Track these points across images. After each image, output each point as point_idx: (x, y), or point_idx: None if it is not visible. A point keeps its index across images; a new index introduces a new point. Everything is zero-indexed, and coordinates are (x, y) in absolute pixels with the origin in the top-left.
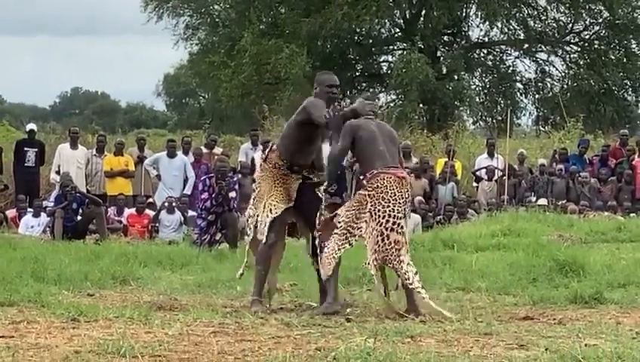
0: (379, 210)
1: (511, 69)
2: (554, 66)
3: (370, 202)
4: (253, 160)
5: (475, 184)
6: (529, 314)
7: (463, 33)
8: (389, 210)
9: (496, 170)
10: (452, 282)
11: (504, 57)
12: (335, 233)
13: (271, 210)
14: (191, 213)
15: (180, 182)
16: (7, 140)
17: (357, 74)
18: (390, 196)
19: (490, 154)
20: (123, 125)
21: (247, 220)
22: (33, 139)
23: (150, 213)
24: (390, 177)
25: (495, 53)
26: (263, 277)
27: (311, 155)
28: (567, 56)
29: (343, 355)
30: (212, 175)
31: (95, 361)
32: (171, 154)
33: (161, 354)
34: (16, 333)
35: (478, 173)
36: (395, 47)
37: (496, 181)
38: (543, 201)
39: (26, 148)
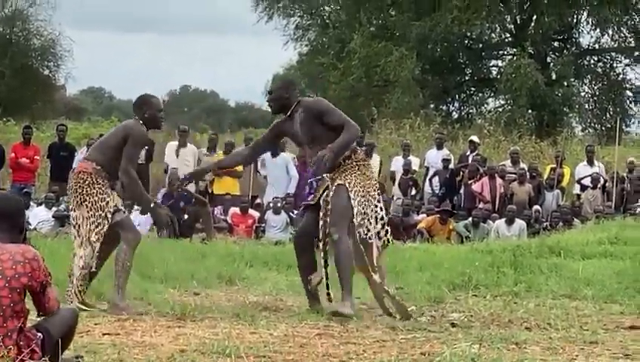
0: None
1: (621, 76)
2: None
3: None
4: None
5: (577, 192)
6: (635, 324)
7: (574, 39)
8: None
9: (600, 178)
10: (558, 289)
11: (614, 64)
12: None
13: None
14: (297, 213)
15: (284, 181)
16: None
17: (466, 78)
18: None
19: (590, 162)
20: (231, 124)
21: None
22: None
23: (254, 213)
24: None
25: (605, 60)
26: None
27: None
28: None
29: (447, 360)
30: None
31: (200, 360)
32: (274, 153)
33: (266, 355)
34: (122, 331)
35: (583, 181)
36: (505, 52)
37: (599, 189)
38: None
39: None
